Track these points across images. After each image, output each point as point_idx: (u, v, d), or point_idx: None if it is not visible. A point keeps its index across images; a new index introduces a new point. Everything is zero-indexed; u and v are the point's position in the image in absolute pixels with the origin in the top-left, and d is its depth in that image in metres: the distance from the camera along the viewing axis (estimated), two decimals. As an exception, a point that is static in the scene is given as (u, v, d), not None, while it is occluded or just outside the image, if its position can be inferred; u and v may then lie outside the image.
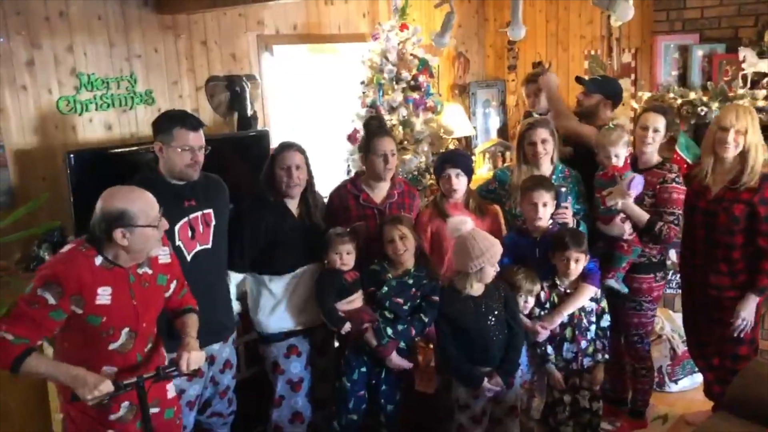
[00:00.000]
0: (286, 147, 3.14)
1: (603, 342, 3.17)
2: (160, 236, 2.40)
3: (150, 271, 2.44)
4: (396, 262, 3.12)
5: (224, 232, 3.00)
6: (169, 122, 2.77)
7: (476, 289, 2.99)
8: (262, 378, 3.38)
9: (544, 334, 3.11)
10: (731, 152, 3.12)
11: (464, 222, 2.97)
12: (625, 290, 3.37)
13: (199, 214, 2.87)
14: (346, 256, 3.08)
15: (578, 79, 4.00)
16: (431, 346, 3.73)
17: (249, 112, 4.07)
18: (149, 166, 2.86)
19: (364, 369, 3.15)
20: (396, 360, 3.09)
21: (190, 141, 2.74)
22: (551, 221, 3.20)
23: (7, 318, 2.24)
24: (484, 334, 2.98)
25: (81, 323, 2.27)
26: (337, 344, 3.42)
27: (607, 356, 3.20)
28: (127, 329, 2.37)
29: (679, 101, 4.46)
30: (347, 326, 3.02)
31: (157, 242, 2.40)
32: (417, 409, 3.43)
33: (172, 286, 2.57)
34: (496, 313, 2.99)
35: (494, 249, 2.91)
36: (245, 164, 3.61)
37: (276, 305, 3.16)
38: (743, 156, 3.11)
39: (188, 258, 2.83)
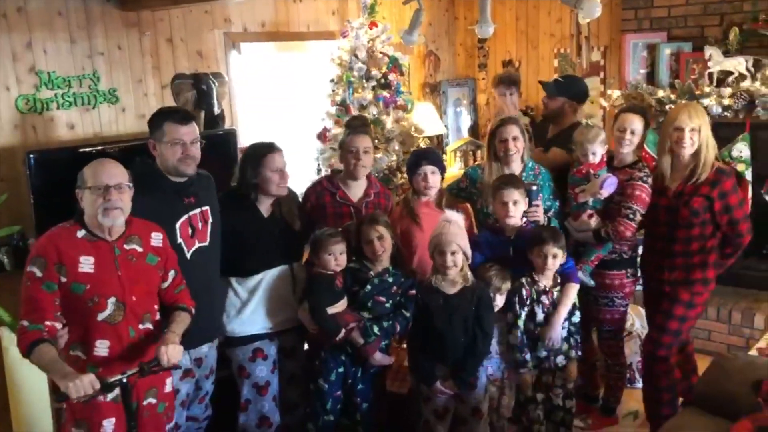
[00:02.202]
0: (274, 149, 3.10)
1: (576, 338, 3.18)
2: (106, 205, 2.37)
3: (140, 249, 2.51)
4: (374, 262, 3.09)
5: (218, 229, 2.98)
6: (159, 118, 2.79)
7: (446, 286, 2.98)
8: (234, 381, 3.33)
9: (554, 344, 3.11)
10: (688, 150, 3.17)
11: (456, 217, 3.00)
12: (592, 283, 3.39)
13: (198, 211, 2.87)
14: (339, 257, 3.04)
15: (542, 84, 4.00)
16: (404, 346, 3.71)
17: (216, 111, 4.01)
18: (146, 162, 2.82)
19: (341, 369, 3.12)
20: (379, 357, 3.08)
21: (179, 134, 2.74)
22: (524, 219, 3.20)
23: (21, 305, 2.38)
24: (447, 333, 2.97)
25: (68, 293, 2.36)
26: (306, 347, 3.37)
27: (579, 353, 3.21)
28: (113, 299, 2.41)
29: (653, 100, 4.49)
30: (342, 333, 2.99)
31: (103, 210, 2.37)
32: (390, 409, 3.40)
33: (170, 275, 2.62)
34: (465, 314, 2.97)
35: (448, 236, 2.92)
36: (212, 163, 3.53)
37: (242, 308, 3.11)
38: (697, 153, 3.17)
39: (188, 256, 2.80)
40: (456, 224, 2.98)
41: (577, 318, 3.19)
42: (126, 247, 2.48)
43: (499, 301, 3.11)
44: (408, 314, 3.08)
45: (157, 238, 2.59)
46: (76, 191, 2.42)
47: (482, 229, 3.36)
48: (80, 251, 2.39)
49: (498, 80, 4.58)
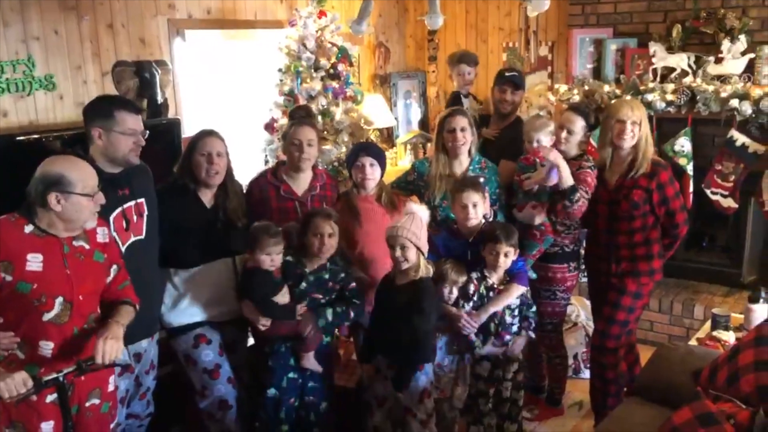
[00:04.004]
0: (207, 133, 3.06)
1: (530, 321, 3.21)
2: (95, 209, 2.36)
3: (87, 246, 2.41)
4: (313, 257, 3.04)
5: (155, 222, 2.89)
6: (110, 105, 2.71)
7: (398, 278, 2.97)
8: (176, 376, 3.25)
9: (469, 329, 3.10)
10: (629, 143, 3.24)
11: (420, 210, 2.97)
12: (534, 276, 3.42)
13: (132, 203, 2.79)
14: (276, 257, 2.96)
15: (511, 77, 3.89)
16: (351, 339, 3.68)
17: (159, 100, 3.89)
18: (77, 153, 2.66)
19: (292, 374, 3.06)
20: (311, 361, 3.03)
21: (133, 125, 2.68)
22: (483, 222, 3.18)
23: None
24: (389, 323, 2.95)
25: (12, 292, 2.24)
26: (252, 341, 3.31)
27: (532, 334, 3.23)
28: (60, 299, 2.32)
29: (605, 95, 4.54)
30: (300, 309, 2.94)
31: (92, 215, 2.37)
32: (338, 404, 3.37)
33: (113, 271, 2.53)
34: (403, 308, 2.91)
35: (399, 231, 2.88)
36: (155, 153, 3.42)
37: (178, 299, 3.04)
38: (636, 146, 3.25)
39: (122, 249, 2.71)
40: (418, 217, 2.93)
41: (533, 309, 3.24)
42: (75, 244, 2.38)
43: (455, 293, 3.11)
44: (358, 302, 3.06)
45: (102, 234, 2.50)
46: (52, 193, 2.26)
47: (440, 231, 3.33)
48: (28, 248, 2.27)
49: (459, 58, 4.48)
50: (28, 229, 2.30)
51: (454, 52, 4.61)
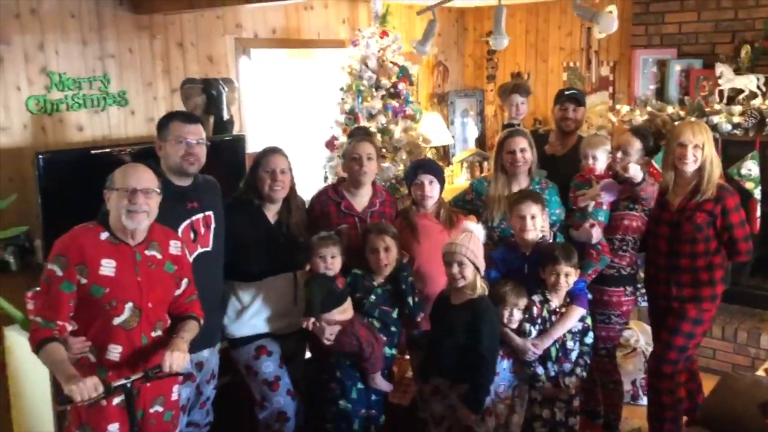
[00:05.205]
0: (271, 151, 3.13)
1: (585, 359, 3.15)
2: (130, 208, 2.38)
3: (159, 256, 2.51)
4: (377, 271, 3.08)
5: (222, 234, 2.98)
6: (166, 119, 2.86)
7: (453, 296, 2.95)
8: (234, 386, 3.32)
9: (534, 355, 3.07)
10: (691, 167, 3.17)
11: (477, 229, 2.98)
12: (588, 296, 3.36)
13: (200, 216, 2.88)
14: (330, 260, 3.00)
15: (572, 95, 3.93)
16: (407, 356, 3.69)
17: (225, 116, 4.01)
18: (149, 165, 2.78)
19: (360, 385, 3.08)
20: (379, 380, 3.06)
21: (183, 132, 2.78)
22: (542, 236, 3.16)
23: (37, 301, 2.41)
24: (444, 344, 2.93)
25: (86, 295, 2.35)
26: (309, 354, 3.36)
27: (584, 373, 3.18)
28: (130, 304, 2.41)
29: (667, 117, 4.47)
30: (334, 329, 2.96)
31: (127, 213, 2.39)
32: (391, 421, 3.37)
33: (183, 284, 2.61)
34: (460, 328, 2.89)
35: (457, 248, 2.87)
36: (220, 169, 3.53)
37: (241, 311, 3.11)
38: (701, 169, 3.18)
39: (190, 260, 2.78)
40: (475, 236, 2.93)
41: (590, 339, 3.17)
42: (147, 253, 2.48)
43: (517, 316, 3.09)
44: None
45: (175, 246, 2.59)
46: (105, 192, 2.43)
47: (498, 245, 3.33)
48: (103, 253, 2.38)
49: (512, 88, 4.49)
50: (104, 236, 2.42)
51: (506, 83, 4.62)
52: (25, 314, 3.01)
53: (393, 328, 3.13)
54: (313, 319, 2.92)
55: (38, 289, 2.46)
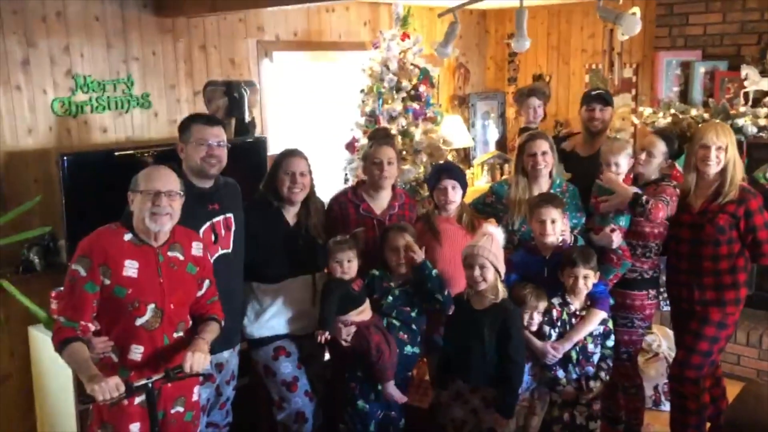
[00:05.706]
0: (291, 153, 3.15)
1: (608, 363, 3.13)
2: (155, 210, 2.40)
3: (181, 257, 2.53)
4: (395, 271, 3.07)
5: (242, 236, 3.00)
6: (188, 121, 2.90)
7: (475, 301, 2.94)
8: (253, 387, 3.34)
9: (554, 358, 3.06)
10: (714, 169, 3.15)
11: (497, 232, 2.97)
12: (611, 301, 3.33)
13: (221, 218, 2.91)
14: (347, 264, 3.01)
15: (599, 95, 3.88)
16: (425, 360, 3.68)
17: (247, 119, 4.04)
18: (171, 167, 2.81)
19: (380, 387, 3.08)
20: (391, 389, 3.05)
21: (205, 134, 2.80)
22: (562, 240, 3.15)
23: (60, 301, 2.43)
24: (472, 349, 2.92)
25: (109, 296, 2.38)
26: (327, 356, 3.37)
27: (607, 377, 3.15)
28: (152, 305, 2.43)
29: (691, 119, 4.42)
30: (350, 330, 2.97)
31: (151, 215, 2.40)
32: (411, 423, 3.37)
33: (205, 285, 2.63)
34: (491, 332, 2.89)
35: (478, 250, 2.86)
36: (242, 170, 3.56)
37: (261, 312, 3.12)
38: (723, 171, 3.15)
39: (211, 262, 2.81)
40: (495, 238, 2.93)
41: (611, 342, 3.14)
42: (169, 254, 2.50)
43: (536, 319, 3.07)
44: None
45: (197, 248, 2.61)
46: (129, 193, 2.45)
47: (517, 248, 3.31)
48: (126, 254, 2.41)
49: (529, 91, 4.48)
50: (127, 237, 2.44)
51: (523, 87, 4.61)
52: (49, 314, 3.05)
53: (413, 326, 3.13)
54: (327, 334, 2.95)
55: (62, 289, 2.51)
